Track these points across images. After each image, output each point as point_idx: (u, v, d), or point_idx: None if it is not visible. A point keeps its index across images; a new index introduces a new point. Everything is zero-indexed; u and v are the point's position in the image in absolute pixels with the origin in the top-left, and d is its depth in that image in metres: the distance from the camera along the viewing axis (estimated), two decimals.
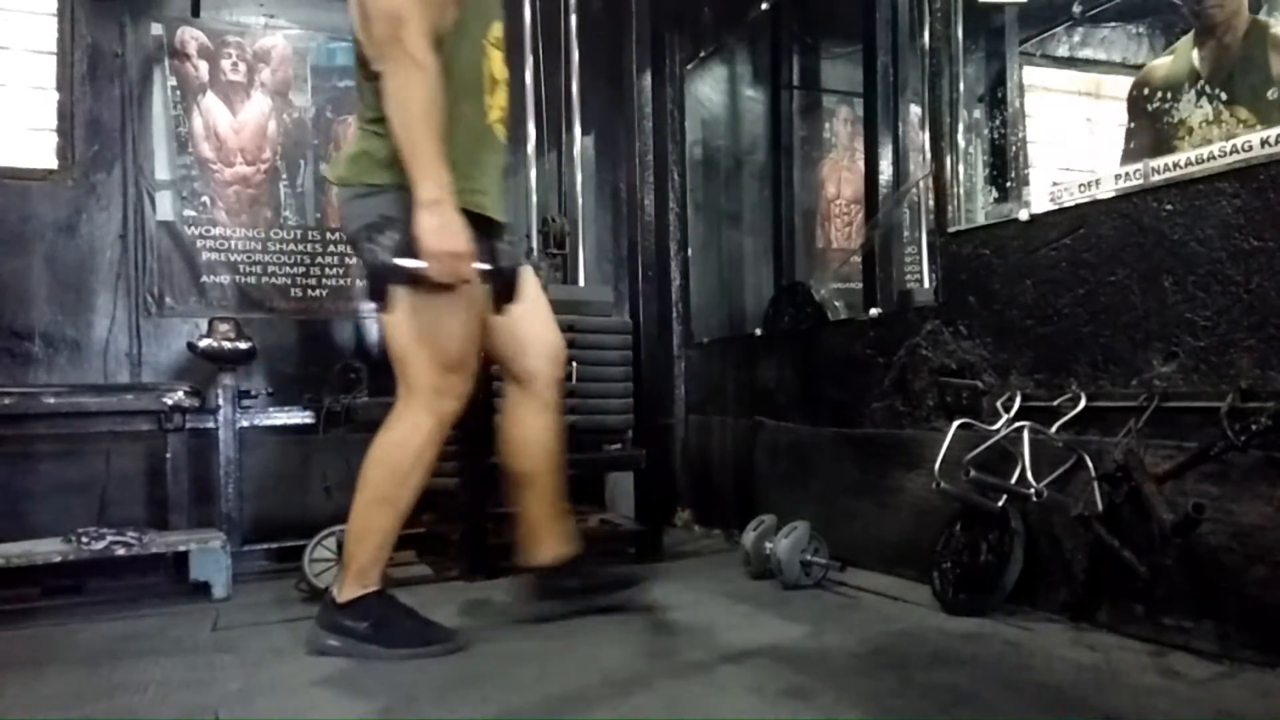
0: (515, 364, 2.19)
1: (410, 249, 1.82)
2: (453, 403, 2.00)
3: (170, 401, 2.86)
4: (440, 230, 1.80)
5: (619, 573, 2.40)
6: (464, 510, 2.82)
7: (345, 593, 1.99)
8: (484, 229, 1.99)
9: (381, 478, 1.98)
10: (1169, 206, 1.96)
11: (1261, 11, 2.44)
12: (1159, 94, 2.56)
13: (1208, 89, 2.42)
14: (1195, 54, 2.51)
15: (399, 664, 1.91)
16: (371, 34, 1.89)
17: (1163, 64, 2.66)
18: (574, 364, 2.90)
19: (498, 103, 2.06)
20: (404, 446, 1.97)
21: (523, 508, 2.21)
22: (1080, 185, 2.21)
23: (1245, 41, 2.42)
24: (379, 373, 3.56)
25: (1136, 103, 2.65)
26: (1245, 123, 2.28)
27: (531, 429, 2.18)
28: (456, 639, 2.01)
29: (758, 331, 3.48)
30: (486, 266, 1.90)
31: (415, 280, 1.84)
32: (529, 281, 2.19)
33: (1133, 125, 2.66)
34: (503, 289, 2.02)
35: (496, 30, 2.06)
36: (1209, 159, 1.90)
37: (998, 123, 3.29)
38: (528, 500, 2.20)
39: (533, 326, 2.17)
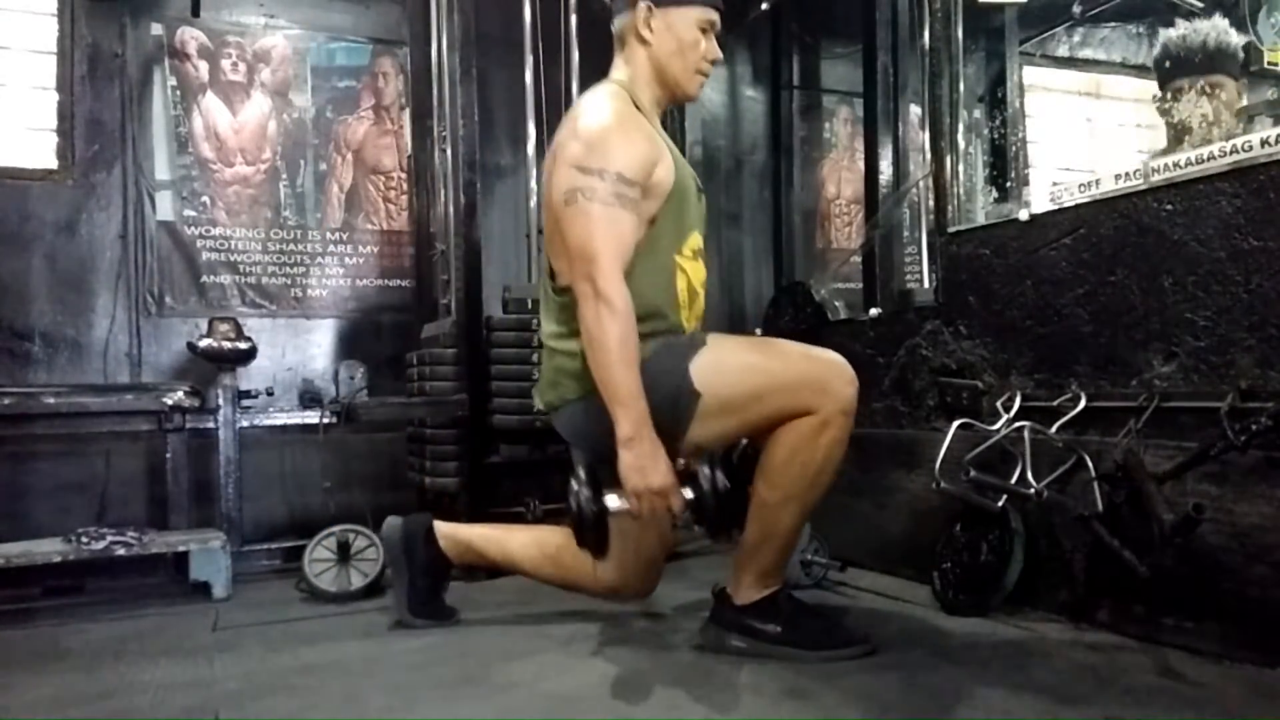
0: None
1: (607, 479, 1.78)
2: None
3: (170, 401, 2.86)
4: (640, 468, 1.72)
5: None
6: (464, 510, 2.82)
7: (748, 594, 1.94)
8: None
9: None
10: (1169, 206, 1.96)
11: (1261, 12, 2.45)
12: None
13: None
14: None
15: (399, 664, 1.91)
16: (563, 260, 1.87)
17: None
18: None
19: (695, 314, 2.01)
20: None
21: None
22: (1080, 185, 2.21)
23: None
24: (378, 372, 3.57)
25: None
26: None
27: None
28: (869, 641, 1.92)
29: (758, 331, 3.48)
30: (690, 495, 1.78)
31: (618, 516, 1.80)
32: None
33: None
34: (716, 517, 1.80)
35: (695, 242, 1.99)
36: (1209, 159, 1.90)
37: (998, 123, 3.29)
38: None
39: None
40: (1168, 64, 2.47)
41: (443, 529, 2.18)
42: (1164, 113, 2.50)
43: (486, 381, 2.84)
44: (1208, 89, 2.36)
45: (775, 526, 1.91)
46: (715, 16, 1.97)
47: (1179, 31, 2.46)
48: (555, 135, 1.98)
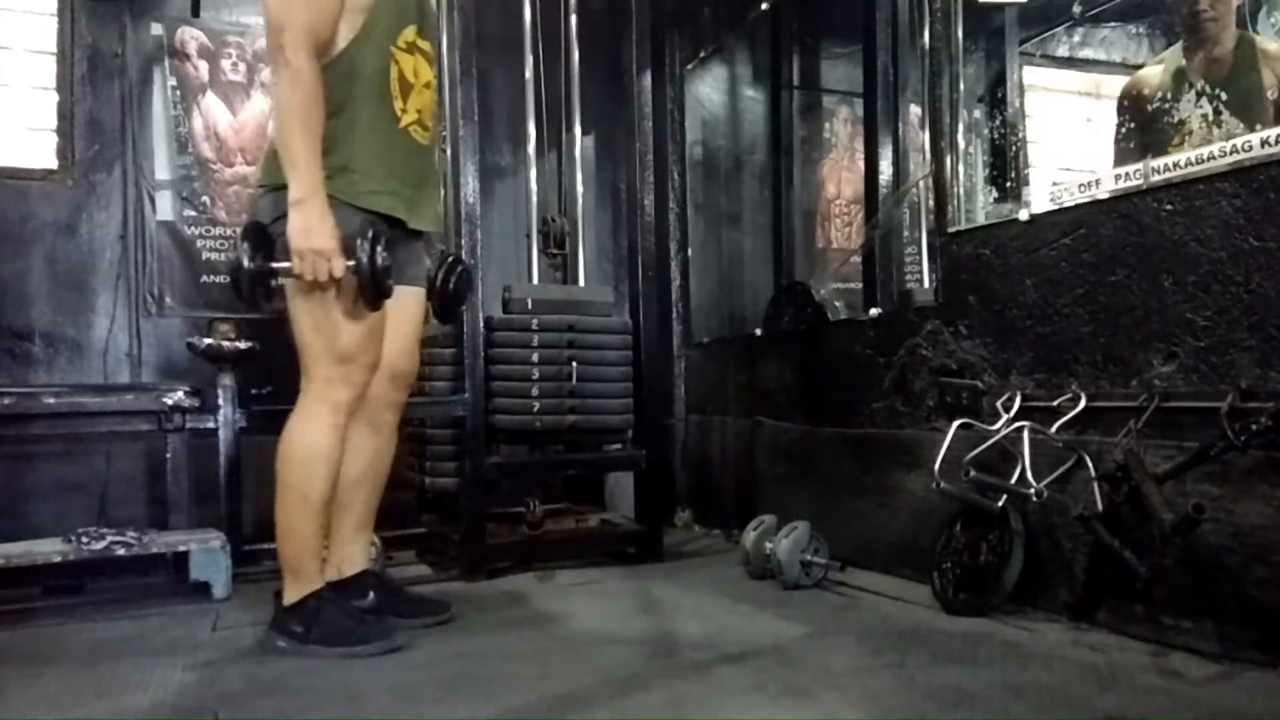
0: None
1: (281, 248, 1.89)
2: (346, 391, 2.02)
3: (170, 401, 2.86)
4: (305, 229, 1.86)
5: (414, 598, 2.34)
6: (464, 510, 2.82)
7: (288, 595, 2.02)
8: (402, 231, 2.07)
9: (290, 476, 2.01)
10: (1169, 206, 1.96)
11: (1261, 12, 2.45)
12: (1154, 97, 2.57)
13: (1206, 89, 2.43)
14: (1186, 63, 2.53)
15: (399, 664, 1.91)
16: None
17: (1154, 71, 2.69)
18: (574, 364, 2.90)
19: (413, 106, 2.09)
20: (302, 435, 2.00)
21: (333, 524, 2.15)
22: (1080, 185, 2.21)
23: (1235, 54, 2.45)
24: None
25: (1129, 107, 2.67)
26: (1237, 130, 2.29)
27: (357, 447, 2.13)
28: (394, 638, 2.00)
29: (758, 331, 3.48)
30: (351, 263, 1.90)
31: (280, 278, 1.92)
32: (411, 302, 2.19)
33: (1124, 130, 2.68)
34: (374, 287, 1.94)
35: (409, 34, 2.08)
36: (1209, 159, 1.90)
37: (998, 123, 3.29)
38: (338, 518, 2.16)
39: (388, 345, 2.13)
40: None
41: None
42: (1162, 113, 2.55)
43: (486, 381, 2.84)
44: None
45: (287, 521, 2.01)
46: None
47: None
48: None
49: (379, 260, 1.90)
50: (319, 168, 1.88)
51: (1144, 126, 2.57)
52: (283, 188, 1.91)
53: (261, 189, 2.06)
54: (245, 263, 1.89)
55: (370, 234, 1.91)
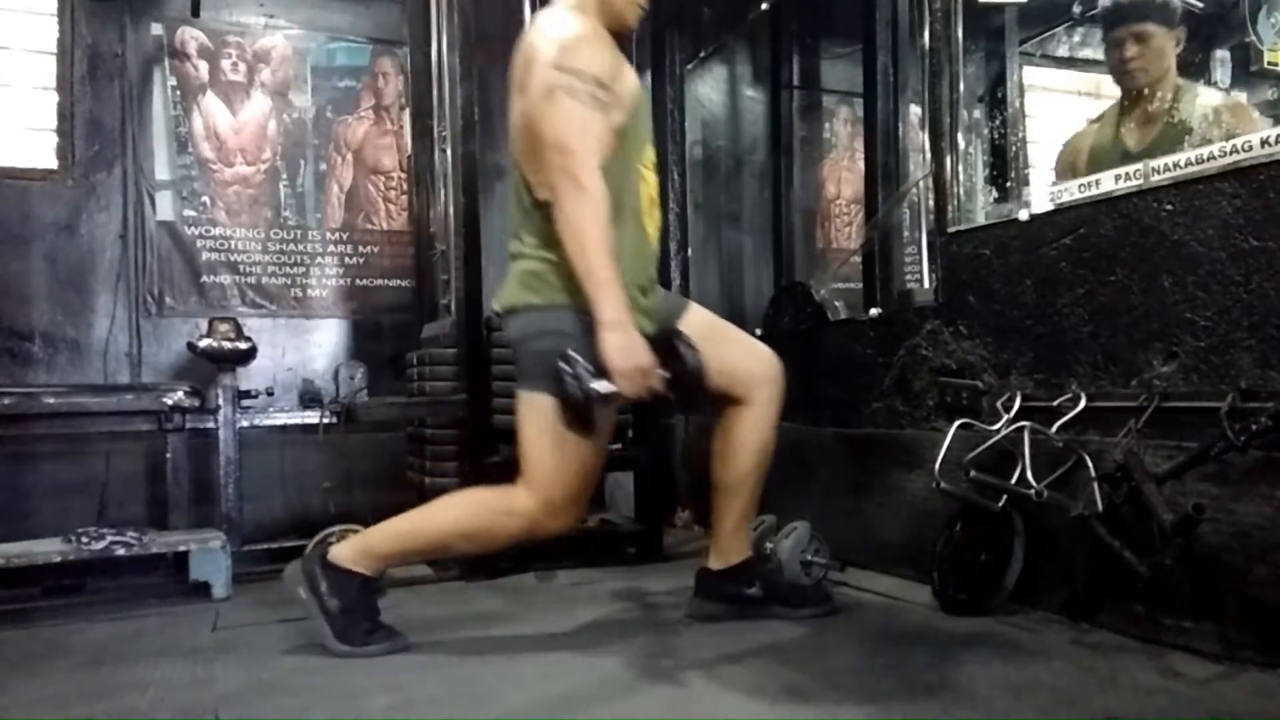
0: (730, 397, 2.15)
1: (598, 372, 1.84)
2: (556, 524, 2.01)
3: (170, 401, 2.86)
4: (626, 349, 1.83)
5: (798, 587, 2.38)
6: None
7: (343, 556, 2.01)
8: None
9: (455, 521, 2.03)
10: (1169, 206, 1.96)
11: (1261, 12, 2.44)
12: (1086, 165, 2.53)
13: (1138, 151, 2.37)
14: (1121, 124, 2.50)
15: (399, 664, 1.91)
16: (541, 163, 1.93)
17: (1089, 132, 2.66)
18: None
19: (654, 222, 2.12)
20: (493, 523, 2.01)
21: (717, 516, 2.21)
22: (1080, 185, 2.21)
23: (1171, 110, 2.40)
24: (379, 372, 3.57)
25: (1064, 175, 2.63)
26: None
27: (742, 444, 2.15)
28: (397, 641, 2.01)
29: (758, 331, 3.47)
30: (667, 374, 1.91)
31: (607, 401, 1.86)
32: (701, 320, 2.18)
33: None
34: (692, 386, 1.99)
35: (650, 155, 2.11)
36: (1209, 159, 1.90)
37: (998, 123, 3.28)
38: (725, 510, 2.19)
39: (731, 355, 2.15)
40: (1109, 14, 2.58)
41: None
42: (1108, 64, 2.56)
43: (486, 381, 2.84)
44: (1140, 36, 2.44)
45: (416, 531, 2.09)
46: None
47: None
48: (519, 53, 2.04)
49: (690, 363, 1.93)
50: (621, 287, 1.87)
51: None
52: (555, 307, 1.93)
53: (512, 310, 2.03)
54: (588, 389, 1.82)
55: (675, 340, 1.96)
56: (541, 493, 1.96)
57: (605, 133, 1.92)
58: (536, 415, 1.95)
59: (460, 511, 2.04)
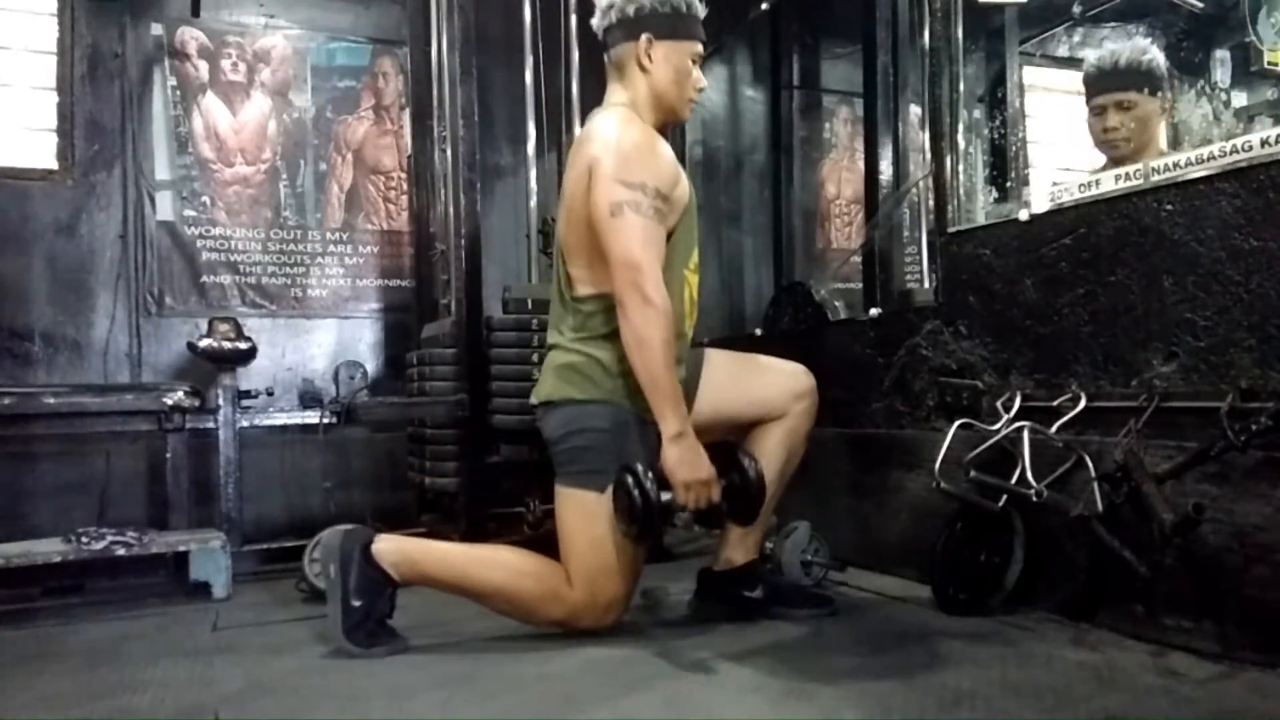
0: (771, 418, 2.20)
1: (659, 482, 1.87)
2: (594, 622, 2.01)
3: (170, 401, 2.86)
4: (689, 461, 1.88)
5: (799, 588, 2.41)
6: (464, 510, 2.82)
7: (385, 555, 1.98)
8: None
9: (501, 582, 2.02)
10: (1169, 206, 1.96)
11: (1261, 12, 2.44)
12: None
13: None
14: None
15: (399, 664, 1.91)
16: (610, 273, 1.95)
17: None
18: None
19: (693, 323, 2.18)
20: (533, 600, 2.01)
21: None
22: (1080, 185, 2.21)
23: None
24: (379, 373, 3.57)
25: None
26: None
27: (770, 446, 2.17)
28: (397, 643, 2.01)
29: (758, 331, 3.48)
30: (726, 484, 1.94)
31: (670, 512, 1.89)
32: (723, 364, 2.23)
33: None
34: (759, 497, 1.99)
35: (695, 258, 2.16)
36: (1209, 159, 1.90)
37: (998, 123, 3.29)
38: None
39: (759, 385, 2.20)
40: (1091, 80, 2.54)
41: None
42: (1090, 132, 2.53)
43: (486, 381, 2.84)
44: (1124, 104, 2.43)
45: (464, 568, 2.07)
46: (701, 48, 2.15)
47: (1096, 52, 2.60)
48: (577, 152, 2.08)
49: (751, 474, 1.94)
50: (683, 402, 1.92)
51: None
52: (593, 402, 1.98)
53: (549, 404, 2.06)
54: (653, 501, 1.83)
55: (743, 453, 1.98)
56: (586, 589, 1.98)
57: (663, 243, 1.98)
58: (579, 513, 1.98)
59: (514, 575, 2.02)
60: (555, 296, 2.15)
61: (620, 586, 2.00)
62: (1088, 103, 2.52)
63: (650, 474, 1.85)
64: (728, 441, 2.17)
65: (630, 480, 1.84)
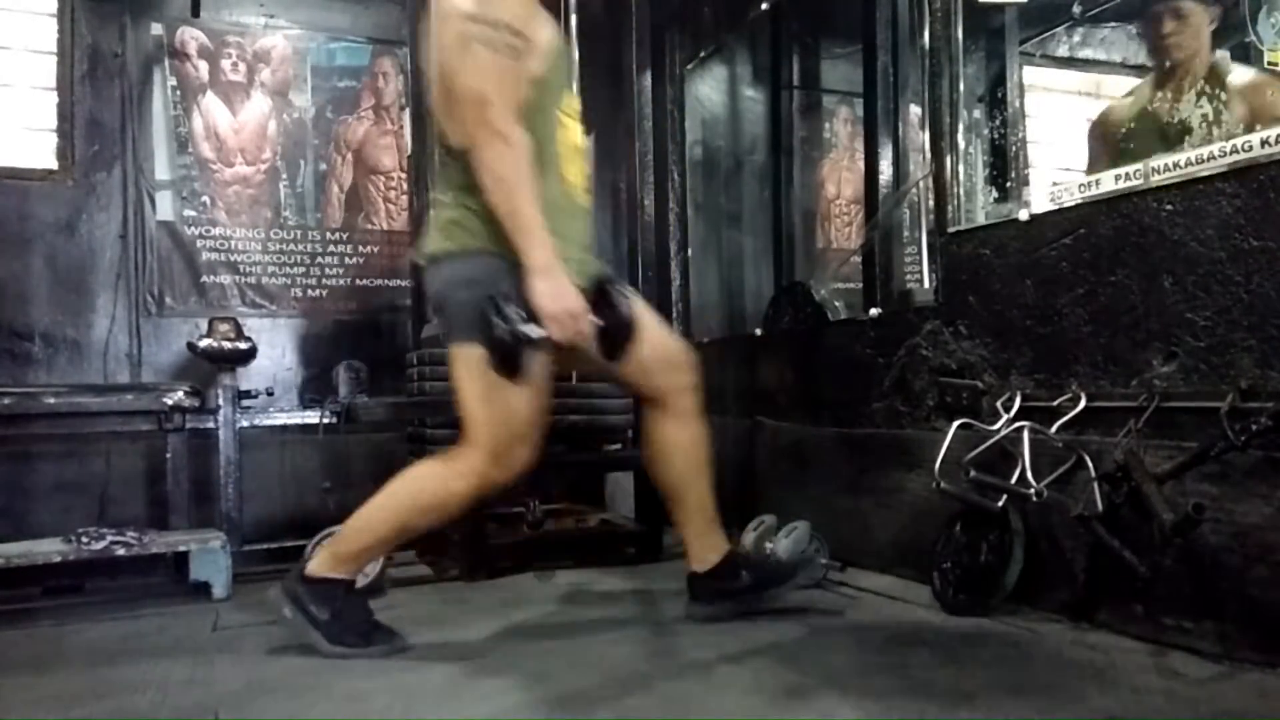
0: (644, 388, 2.17)
1: (527, 316, 1.84)
2: (505, 473, 1.98)
3: (170, 401, 2.86)
4: (556, 293, 1.84)
5: (782, 563, 2.40)
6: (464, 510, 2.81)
7: (317, 567, 2.01)
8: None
9: (405, 499, 2.01)
10: (1169, 206, 1.96)
11: (1261, 12, 2.44)
12: (1119, 133, 2.63)
13: (1171, 124, 2.47)
14: (1152, 94, 2.59)
15: (399, 664, 1.91)
16: (457, 115, 1.93)
17: (1124, 104, 2.73)
18: None
19: (579, 170, 2.12)
20: (440, 489, 1.99)
21: (678, 521, 2.22)
22: (1080, 185, 2.21)
23: (1205, 85, 2.48)
24: (379, 372, 3.57)
25: (1096, 138, 2.74)
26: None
27: (672, 444, 2.16)
28: (396, 643, 2.01)
29: (758, 331, 3.48)
30: (600, 322, 1.91)
31: (537, 346, 1.86)
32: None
33: (1093, 163, 2.72)
34: (620, 336, 1.97)
35: (573, 103, 2.11)
36: (1209, 159, 1.90)
37: (998, 123, 3.29)
38: (682, 513, 2.20)
39: (646, 345, 2.13)
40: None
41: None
42: (1144, 37, 2.69)
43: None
44: (1179, 11, 2.54)
45: (371, 523, 2.05)
46: None
47: None
48: (433, 5, 2.02)
49: (624, 310, 1.93)
50: (547, 233, 1.87)
51: (1111, 162, 2.58)
52: (478, 253, 1.92)
53: (434, 258, 2.01)
54: (516, 331, 1.81)
55: (608, 286, 1.95)
56: (483, 446, 1.95)
57: (519, 83, 1.91)
58: (470, 368, 1.93)
59: (408, 489, 2.02)
60: (437, 159, 2.09)
61: (515, 432, 1.95)
62: (1143, 11, 2.67)
63: (514, 305, 1.81)
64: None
65: (492, 311, 1.80)
